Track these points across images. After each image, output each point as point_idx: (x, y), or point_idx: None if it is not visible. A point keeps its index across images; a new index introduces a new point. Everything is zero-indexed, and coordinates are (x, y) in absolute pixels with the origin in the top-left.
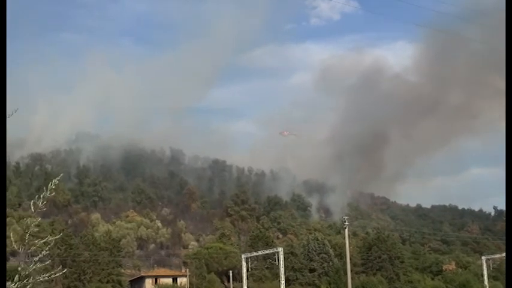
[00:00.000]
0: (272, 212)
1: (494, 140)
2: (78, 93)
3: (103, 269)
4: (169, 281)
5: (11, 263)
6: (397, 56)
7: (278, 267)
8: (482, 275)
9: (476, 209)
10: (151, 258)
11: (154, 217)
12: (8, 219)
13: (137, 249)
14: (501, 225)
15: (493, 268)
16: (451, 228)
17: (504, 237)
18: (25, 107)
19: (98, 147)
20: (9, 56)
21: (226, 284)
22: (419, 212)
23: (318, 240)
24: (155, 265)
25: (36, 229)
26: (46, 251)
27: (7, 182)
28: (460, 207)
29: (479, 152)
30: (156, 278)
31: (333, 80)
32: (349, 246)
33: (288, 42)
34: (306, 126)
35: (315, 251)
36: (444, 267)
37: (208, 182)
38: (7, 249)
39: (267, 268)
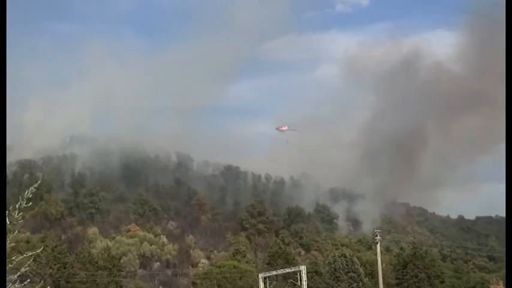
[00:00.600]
0: (293, 225)
1: None
2: (73, 91)
3: None
4: None
5: None
6: (435, 46)
7: None
8: None
9: None
10: (155, 278)
11: (159, 231)
12: None
13: (140, 268)
14: None
15: None
16: (498, 243)
17: None
18: (13, 106)
19: (96, 152)
20: None
21: None
22: (461, 224)
23: (345, 257)
24: (160, 286)
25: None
26: (26, 267)
27: None
28: None
29: None
30: None
31: (363, 74)
32: (382, 263)
33: (309, 31)
34: (332, 126)
35: (343, 270)
36: (491, 287)
37: (220, 191)
38: None
39: None
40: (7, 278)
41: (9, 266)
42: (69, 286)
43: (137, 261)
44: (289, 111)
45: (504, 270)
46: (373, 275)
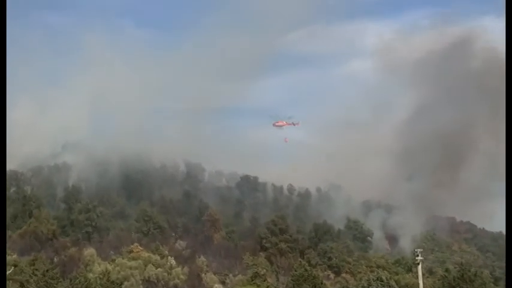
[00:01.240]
0: (321, 243)
1: None
2: (67, 91)
3: None
4: None
5: None
6: (486, 34)
7: None
8: None
9: None
10: None
11: (166, 252)
12: None
13: None
14: None
15: None
16: None
17: None
18: None
19: (92, 162)
20: None
21: None
22: None
23: (382, 280)
24: None
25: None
26: None
27: None
28: None
29: None
30: None
31: (401, 67)
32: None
33: (337, 20)
34: (365, 128)
35: None
36: None
37: (235, 205)
38: None
39: None
40: None
41: None
42: None
43: (141, 287)
44: (314, 112)
45: None
46: None
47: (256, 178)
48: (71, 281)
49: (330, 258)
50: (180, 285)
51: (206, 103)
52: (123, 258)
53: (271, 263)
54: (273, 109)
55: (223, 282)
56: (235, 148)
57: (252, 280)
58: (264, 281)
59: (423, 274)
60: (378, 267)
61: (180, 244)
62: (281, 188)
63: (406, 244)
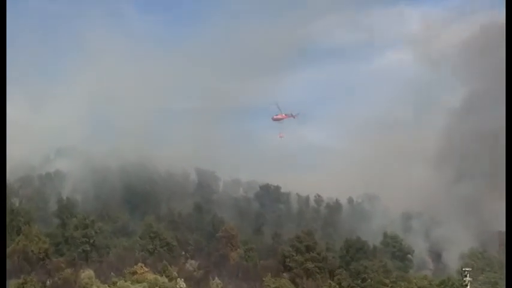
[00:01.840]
0: (353, 262)
1: None
2: (62, 88)
3: None
4: None
5: None
6: None
7: None
8: None
9: None
10: None
11: (175, 274)
12: None
13: None
14: None
15: None
16: None
17: None
18: None
19: (90, 170)
20: None
21: None
22: None
23: None
24: None
25: None
26: None
27: None
28: None
29: None
30: None
31: (444, 58)
32: None
33: (366, 7)
34: (404, 130)
35: None
36: None
37: (255, 219)
38: None
39: None
40: None
41: None
42: None
43: None
44: (346, 111)
45: None
46: None
47: (278, 188)
48: None
49: (364, 280)
50: None
51: (220, 102)
52: (125, 281)
53: (296, 286)
54: (298, 109)
55: None
56: (254, 153)
57: None
58: None
59: None
60: None
61: (191, 264)
62: (307, 198)
63: (452, 262)
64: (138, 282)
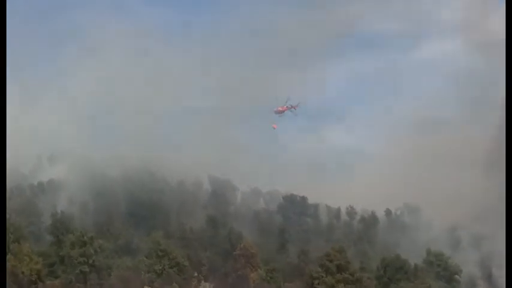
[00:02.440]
0: (392, 284)
1: None
2: (57, 85)
3: None
4: None
5: None
6: None
7: None
8: None
9: None
10: None
11: None
12: None
13: None
14: None
15: None
16: None
17: None
18: None
19: (89, 178)
20: None
21: None
22: None
23: None
24: None
25: None
26: None
27: None
28: None
29: None
30: None
31: (498, 48)
32: None
33: None
34: (452, 130)
35: None
36: None
37: (277, 234)
38: None
39: None
40: None
41: None
42: None
43: None
44: (384, 109)
45: None
46: None
47: (304, 198)
48: None
49: None
50: None
51: (238, 101)
52: None
53: None
54: (328, 107)
55: None
56: (277, 159)
57: None
58: None
59: None
60: None
61: (205, 287)
62: (338, 210)
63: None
64: None
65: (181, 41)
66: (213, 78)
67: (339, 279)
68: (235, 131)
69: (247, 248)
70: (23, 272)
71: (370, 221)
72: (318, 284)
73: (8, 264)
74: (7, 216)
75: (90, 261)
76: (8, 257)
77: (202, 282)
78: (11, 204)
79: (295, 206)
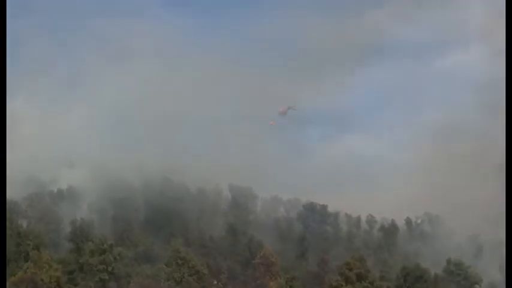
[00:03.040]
0: None
1: None
2: (77, 92)
3: None
4: None
5: None
6: None
7: None
8: None
9: None
10: None
11: None
12: None
13: None
14: None
15: None
16: None
17: None
18: None
19: (108, 186)
20: None
21: None
22: None
23: None
24: None
25: None
26: None
27: None
28: None
29: None
30: None
31: None
32: None
33: None
34: (474, 137)
35: None
36: None
37: (297, 242)
38: None
39: None
40: None
41: None
42: None
43: None
44: (405, 117)
45: None
46: None
47: (324, 207)
48: None
49: None
50: None
51: (259, 108)
52: None
53: None
54: (349, 116)
55: None
56: (297, 167)
57: None
58: None
59: None
60: None
61: None
62: (358, 219)
63: None
64: None
65: (201, 50)
66: (232, 86)
67: None
68: (255, 139)
69: (267, 257)
70: (42, 280)
71: (390, 230)
72: None
73: (28, 272)
74: (26, 223)
75: (110, 269)
76: (27, 264)
77: None
78: (31, 211)
79: (315, 214)
